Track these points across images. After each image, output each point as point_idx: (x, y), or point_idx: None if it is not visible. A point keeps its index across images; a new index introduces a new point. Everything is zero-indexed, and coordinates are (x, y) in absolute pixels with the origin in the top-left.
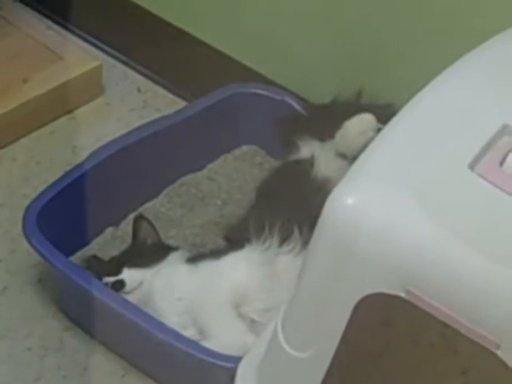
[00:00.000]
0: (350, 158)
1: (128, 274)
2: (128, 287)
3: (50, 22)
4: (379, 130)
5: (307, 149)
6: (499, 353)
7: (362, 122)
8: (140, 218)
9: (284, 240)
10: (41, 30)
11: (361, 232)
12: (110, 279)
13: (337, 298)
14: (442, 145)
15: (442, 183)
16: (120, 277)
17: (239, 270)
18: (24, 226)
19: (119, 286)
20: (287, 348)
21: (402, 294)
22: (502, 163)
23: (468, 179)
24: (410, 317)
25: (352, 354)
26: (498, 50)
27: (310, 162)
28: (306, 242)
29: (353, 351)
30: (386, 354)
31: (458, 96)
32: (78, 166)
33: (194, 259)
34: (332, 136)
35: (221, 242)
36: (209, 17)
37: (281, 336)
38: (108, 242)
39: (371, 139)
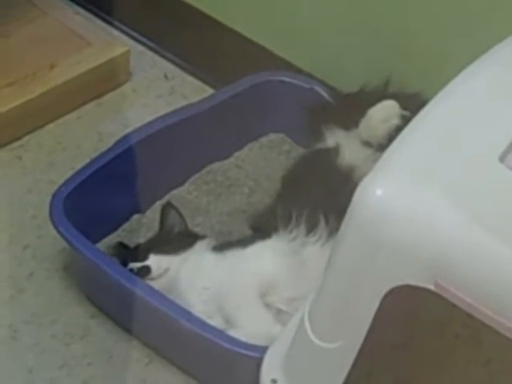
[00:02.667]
0: (374, 146)
1: (154, 260)
2: (154, 273)
3: (77, 8)
4: (404, 117)
5: (333, 138)
6: None
7: (384, 108)
8: (168, 206)
9: (310, 230)
10: (69, 15)
11: (390, 223)
12: (136, 265)
13: (365, 289)
14: (472, 136)
15: (471, 175)
16: (146, 263)
17: (266, 259)
18: (51, 213)
19: (145, 271)
20: (314, 338)
21: (431, 287)
22: None
23: (498, 171)
24: (435, 308)
25: (378, 345)
26: None
27: (335, 151)
28: (332, 232)
29: (379, 342)
30: (411, 345)
31: (489, 87)
32: (104, 153)
33: (220, 248)
34: (358, 125)
35: (247, 231)
36: (238, 4)
37: (307, 326)
38: (134, 230)
39: (395, 126)
